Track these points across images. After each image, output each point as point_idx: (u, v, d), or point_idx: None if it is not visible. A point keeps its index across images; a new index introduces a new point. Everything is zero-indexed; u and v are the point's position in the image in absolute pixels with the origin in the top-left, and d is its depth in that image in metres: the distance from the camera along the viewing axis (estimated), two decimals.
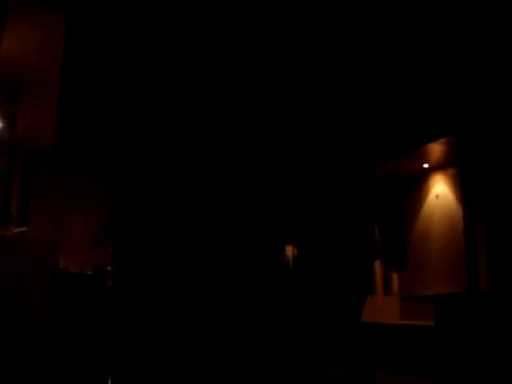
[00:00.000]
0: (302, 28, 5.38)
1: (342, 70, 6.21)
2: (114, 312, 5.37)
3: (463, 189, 7.81)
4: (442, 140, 7.57)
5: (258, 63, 6.03)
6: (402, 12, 5.26)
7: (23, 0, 4.32)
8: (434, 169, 8.39)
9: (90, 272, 6.96)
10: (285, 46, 5.68)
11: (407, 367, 6.33)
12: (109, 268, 5.57)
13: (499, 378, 4.85)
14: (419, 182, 8.62)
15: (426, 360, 5.92)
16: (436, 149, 7.86)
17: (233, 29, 5.42)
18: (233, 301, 7.18)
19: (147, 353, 5.58)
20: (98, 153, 8.24)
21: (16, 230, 5.52)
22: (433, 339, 5.77)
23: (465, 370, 5.19)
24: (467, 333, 5.29)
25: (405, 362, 6.43)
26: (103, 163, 8.27)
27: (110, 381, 5.15)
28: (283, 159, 8.69)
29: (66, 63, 5.22)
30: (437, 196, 8.27)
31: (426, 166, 8.35)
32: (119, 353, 5.26)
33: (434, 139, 7.49)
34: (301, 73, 6.36)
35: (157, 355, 5.94)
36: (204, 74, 6.50)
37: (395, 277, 8.78)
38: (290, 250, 8.90)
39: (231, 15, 5.20)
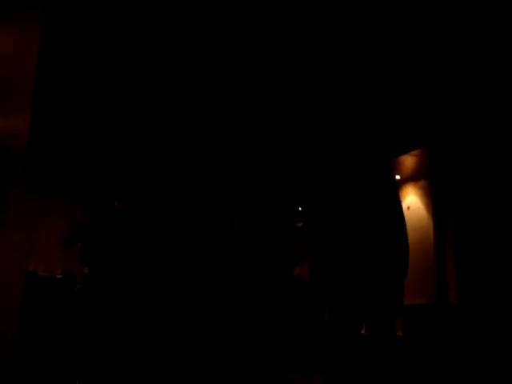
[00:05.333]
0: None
1: (320, 78, 6.26)
2: (83, 316, 5.34)
3: (434, 201, 7.90)
4: (414, 152, 7.66)
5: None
6: (371, 28, 5.32)
7: None
8: (405, 180, 8.47)
9: (59, 276, 6.91)
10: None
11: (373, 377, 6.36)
12: (86, 271, 5.54)
13: None
14: None
15: (392, 370, 5.96)
16: (408, 161, 7.95)
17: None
18: (200, 307, 7.18)
19: (114, 357, 5.55)
20: (69, 158, 8.18)
21: None
22: (400, 350, 5.82)
23: (432, 379, 5.25)
24: (434, 343, 5.35)
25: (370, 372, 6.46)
26: (74, 169, 8.22)
27: None
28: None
29: (41, 70, 5.18)
30: (408, 207, 8.35)
31: (397, 177, 8.43)
32: (87, 357, 5.22)
33: (406, 151, 7.58)
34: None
35: (124, 359, 5.90)
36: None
37: None
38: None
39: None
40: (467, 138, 7.15)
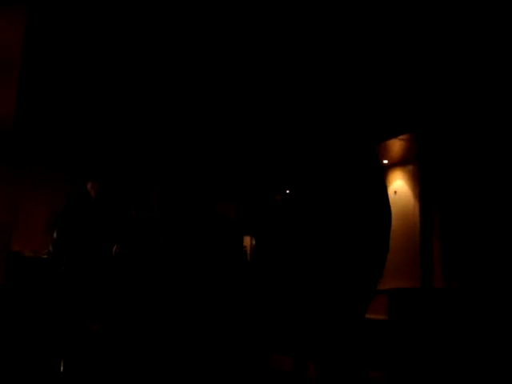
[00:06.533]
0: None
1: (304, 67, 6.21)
2: (67, 295, 5.33)
3: (421, 186, 7.92)
4: (402, 137, 7.67)
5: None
6: (356, 16, 5.29)
7: None
8: (393, 165, 8.49)
9: (45, 256, 6.87)
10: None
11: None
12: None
13: (450, 370, 4.95)
14: None
15: (378, 353, 6.01)
16: (396, 145, 7.95)
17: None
18: (187, 289, 7.17)
19: (99, 337, 5.55)
20: (57, 137, 8.11)
21: None
22: (386, 333, 5.85)
23: (417, 362, 5.28)
24: (420, 327, 5.38)
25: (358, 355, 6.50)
26: (62, 149, 8.16)
27: (62, 365, 5.10)
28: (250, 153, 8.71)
29: (27, 50, 5.13)
30: (395, 192, 8.37)
31: (385, 161, 8.44)
32: (73, 337, 5.21)
33: (394, 136, 7.57)
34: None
35: (108, 339, 5.91)
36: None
37: None
38: (247, 241, 8.94)
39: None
40: (454, 124, 7.16)
